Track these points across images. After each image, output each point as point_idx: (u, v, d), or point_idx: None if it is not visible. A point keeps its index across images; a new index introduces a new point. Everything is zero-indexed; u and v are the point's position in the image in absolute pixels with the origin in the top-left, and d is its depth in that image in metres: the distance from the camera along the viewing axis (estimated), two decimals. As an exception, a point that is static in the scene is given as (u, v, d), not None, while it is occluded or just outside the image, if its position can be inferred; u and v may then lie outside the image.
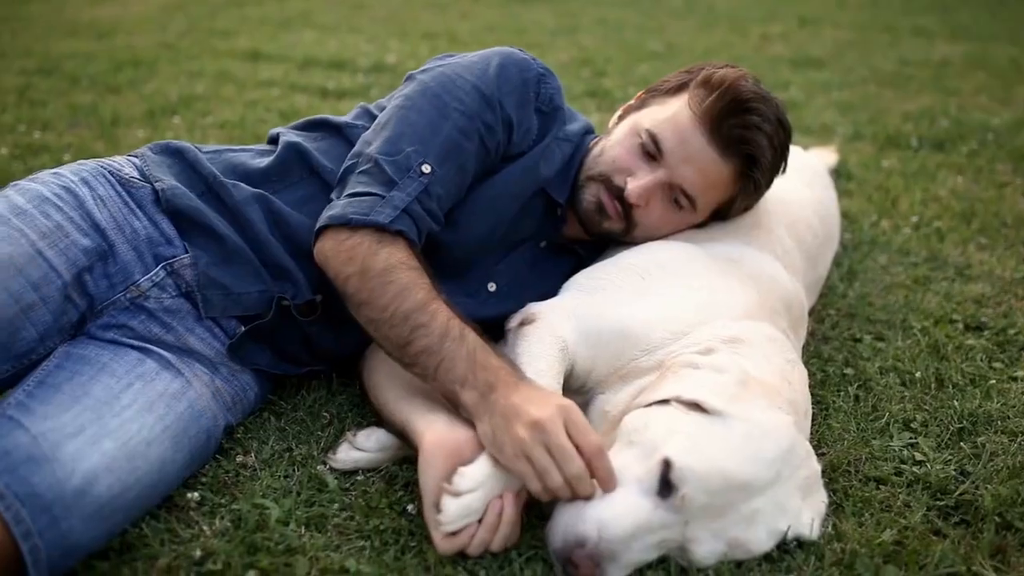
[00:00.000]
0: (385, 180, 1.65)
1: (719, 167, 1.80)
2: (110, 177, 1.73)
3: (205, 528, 1.49)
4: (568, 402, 1.43)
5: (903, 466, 1.66)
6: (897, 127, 4.11)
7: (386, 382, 1.69)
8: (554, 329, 1.65)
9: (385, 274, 1.55)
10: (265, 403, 1.84)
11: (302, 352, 1.82)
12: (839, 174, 3.35)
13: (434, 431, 1.49)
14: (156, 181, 1.74)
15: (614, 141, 1.89)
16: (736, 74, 1.81)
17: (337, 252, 1.60)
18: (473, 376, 1.46)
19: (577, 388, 1.68)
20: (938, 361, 2.02)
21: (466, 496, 1.37)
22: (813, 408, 1.81)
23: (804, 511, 1.43)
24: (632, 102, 1.98)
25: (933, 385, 1.92)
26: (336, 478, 1.61)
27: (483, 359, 1.48)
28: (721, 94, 1.78)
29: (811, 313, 2.21)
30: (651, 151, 1.81)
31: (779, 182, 2.14)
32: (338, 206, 1.64)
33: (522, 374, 1.50)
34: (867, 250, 2.70)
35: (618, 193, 1.83)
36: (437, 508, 1.38)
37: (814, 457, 1.48)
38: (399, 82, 1.90)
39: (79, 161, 1.78)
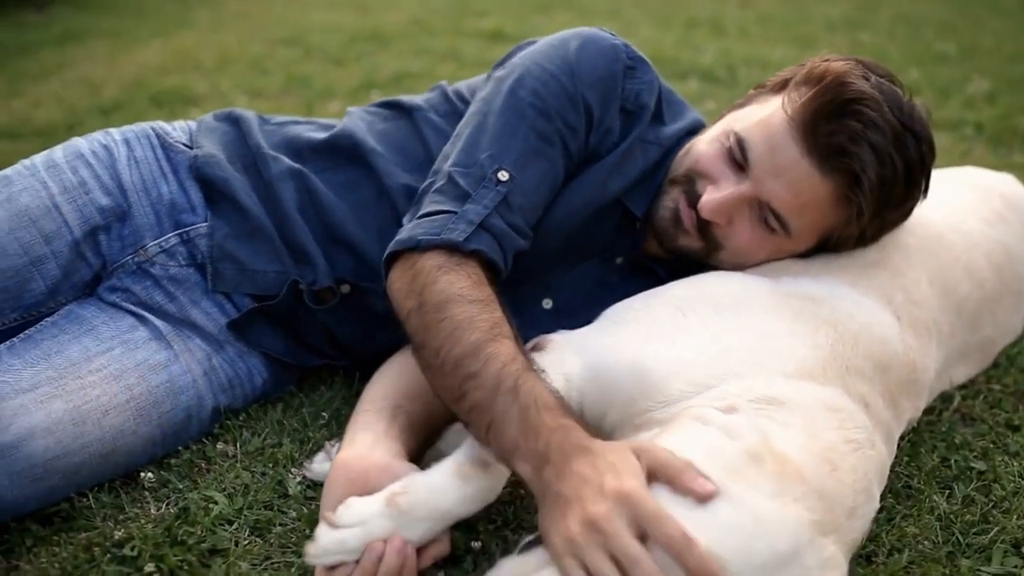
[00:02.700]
0: (458, 194, 1.54)
1: (815, 184, 1.56)
2: (154, 139, 1.81)
3: (152, 511, 1.52)
4: (634, 483, 1.18)
5: (987, 600, 1.35)
6: None
7: (377, 376, 1.64)
8: (561, 362, 1.50)
9: (440, 309, 1.39)
10: (283, 392, 1.84)
11: (324, 343, 1.81)
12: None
13: (352, 448, 1.42)
14: (197, 148, 1.79)
15: (703, 140, 1.70)
16: (845, 66, 1.56)
17: (402, 283, 1.47)
18: (524, 443, 1.26)
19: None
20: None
21: (342, 531, 1.29)
22: (903, 506, 1.53)
23: None
24: (741, 99, 1.77)
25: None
26: (301, 486, 1.58)
27: (536, 419, 1.27)
28: (819, 92, 1.54)
29: (968, 386, 1.86)
30: (738, 159, 1.60)
31: (941, 211, 1.84)
32: (407, 229, 1.52)
33: (580, 435, 1.26)
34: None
35: (696, 201, 1.65)
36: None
37: (838, 572, 1.23)
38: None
39: (140, 122, 1.88)
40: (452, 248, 1.47)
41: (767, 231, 1.62)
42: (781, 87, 1.65)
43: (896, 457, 1.61)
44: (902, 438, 1.66)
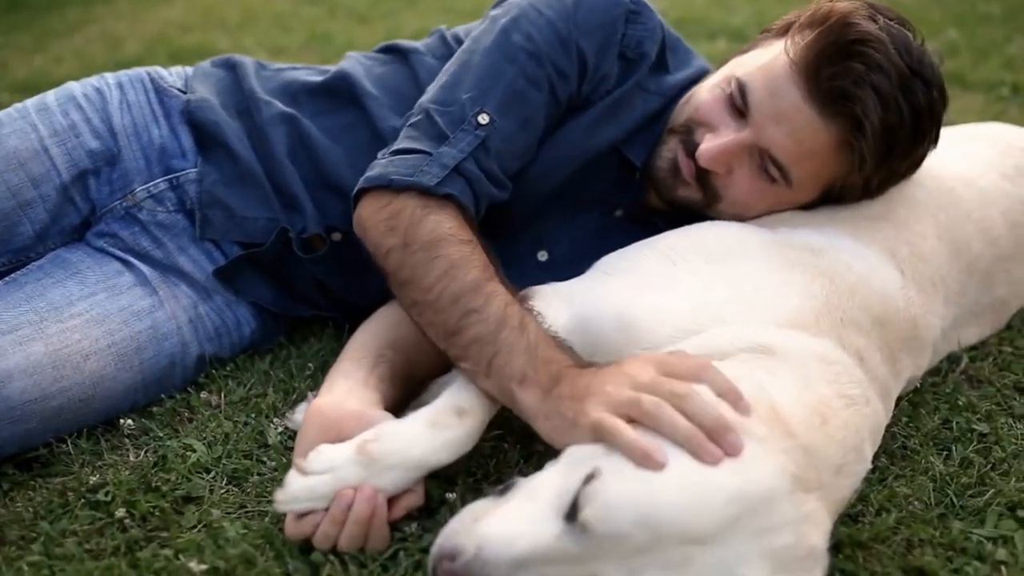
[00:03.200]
0: (435, 134, 1.52)
1: (817, 131, 1.51)
2: (148, 84, 1.80)
3: (130, 458, 1.53)
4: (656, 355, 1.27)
5: (976, 564, 1.31)
6: None
7: (362, 326, 1.63)
8: (548, 312, 1.48)
9: (431, 247, 1.40)
10: (272, 344, 1.84)
11: (315, 294, 1.80)
12: None
13: (328, 396, 1.41)
14: (191, 92, 1.78)
15: (705, 87, 1.66)
16: (850, 6, 1.51)
17: (376, 220, 1.46)
18: (534, 371, 1.29)
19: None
20: None
21: (312, 477, 1.28)
22: (896, 466, 1.49)
23: None
24: (747, 45, 1.72)
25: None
26: (281, 436, 1.58)
27: (546, 353, 1.31)
28: (822, 33, 1.49)
29: (979, 348, 1.81)
30: (738, 104, 1.56)
31: (956, 165, 1.78)
32: (379, 165, 1.51)
33: (591, 365, 1.32)
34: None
35: (694, 151, 1.61)
36: None
37: (818, 529, 1.20)
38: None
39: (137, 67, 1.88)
40: (425, 192, 1.46)
41: (768, 181, 1.58)
42: (785, 30, 1.60)
43: (894, 417, 1.57)
44: (902, 398, 1.63)
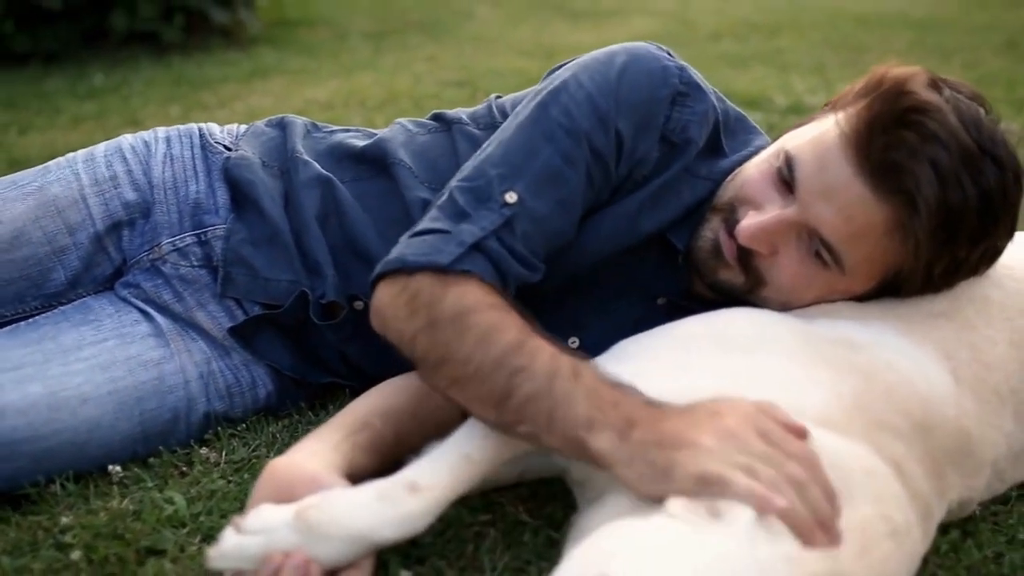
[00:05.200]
0: (456, 212, 1.49)
1: (868, 209, 1.43)
2: (195, 139, 1.91)
3: (113, 504, 1.58)
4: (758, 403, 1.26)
5: None
6: None
7: (362, 395, 1.64)
8: None
9: (459, 319, 1.37)
10: (290, 409, 1.87)
11: (335, 361, 1.83)
12: None
13: (289, 455, 1.42)
14: (235, 150, 1.88)
15: (753, 163, 1.62)
16: (907, 71, 1.45)
17: (395, 307, 1.43)
18: (603, 415, 1.25)
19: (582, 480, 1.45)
20: None
21: (246, 537, 1.28)
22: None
23: None
24: (803, 119, 1.67)
25: None
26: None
27: (610, 395, 1.28)
28: (875, 100, 1.43)
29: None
30: (786, 178, 1.51)
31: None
32: (397, 248, 1.50)
33: (668, 406, 1.28)
34: None
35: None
36: None
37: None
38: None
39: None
40: (439, 271, 1.43)
41: (818, 265, 1.50)
42: (842, 101, 1.55)
43: (935, 544, 1.44)
44: (950, 525, 1.48)
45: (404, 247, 1.48)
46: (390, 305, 1.45)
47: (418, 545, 1.45)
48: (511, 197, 1.49)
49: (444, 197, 1.54)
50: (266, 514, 1.31)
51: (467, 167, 1.58)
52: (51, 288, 1.77)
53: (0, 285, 1.72)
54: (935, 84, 1.45)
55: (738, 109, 1.76)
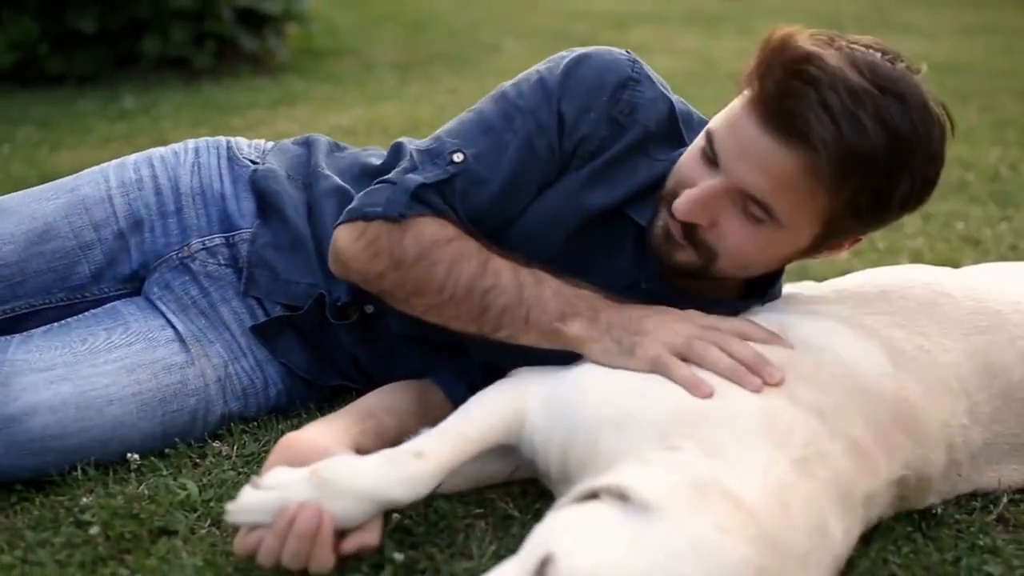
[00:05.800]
0: (408, 168, 1.70)
1: (780, 159, 1.50)
2: (223, 151, 2.07)
3: (130, 488, 1.71)
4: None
5: None
6: None
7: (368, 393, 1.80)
8: (518, 390, 1.60)
9: (423, 258, 1.63)
10: (298, 409, 2.00)
11: (346, 364, 1.97)
12: None
13: (302, 431, 1.59)
14: (263, 164, 2.03)
15: (687, 149, 1.70)
16: (792, 29, 1.52)
17: (354, 249, 1.68)
18: (571, 307, 1.60)
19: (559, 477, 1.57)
20: None
21: (263, 492, 1.41)
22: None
23: None
24: None
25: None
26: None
27: (573, 292, 1.62)
28: (764, 58, 1.51)
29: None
30: (708, 154, 1.59)
31: (1013, 290, 1.77)
32: (353, 201, 1.72)
33: (621, 298, 1.64)
34: None
35: None
36: None
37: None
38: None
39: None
40: (392, 218, 1.65)
41: (756, 224, 1.57)
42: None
43: (895, 546, 1.55)
44: (911, 530, 1.59)
45: (359, 199, 1.71)
46: (348, 248, 1.70)
47: (412, 533, 1.58)
48: (457, 157, 1.69)
49: (405, 160, 1.74)
50: (282, 473, 1.44)
51: (429, 137, 1.76)
52: (75, 281, 1.92)
53: (29, 276, 1.87)
54: (827, 38, 1.52)
55: (704, 116, 1.83)
